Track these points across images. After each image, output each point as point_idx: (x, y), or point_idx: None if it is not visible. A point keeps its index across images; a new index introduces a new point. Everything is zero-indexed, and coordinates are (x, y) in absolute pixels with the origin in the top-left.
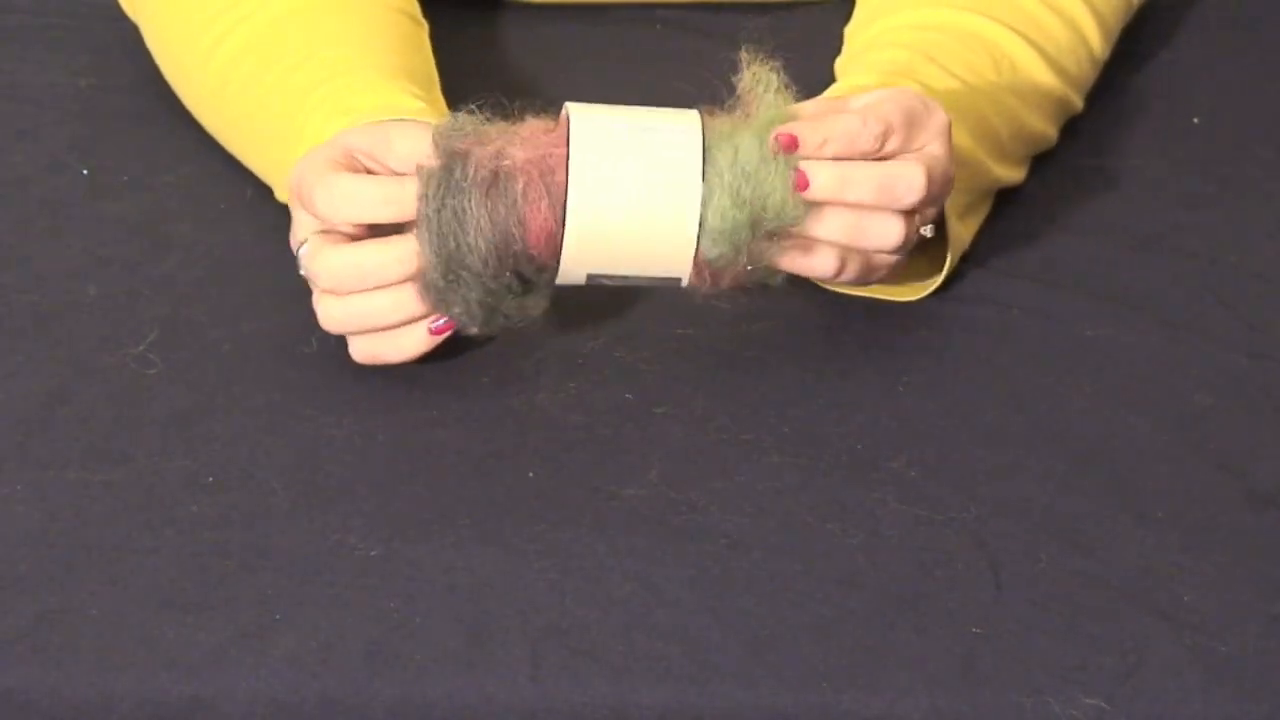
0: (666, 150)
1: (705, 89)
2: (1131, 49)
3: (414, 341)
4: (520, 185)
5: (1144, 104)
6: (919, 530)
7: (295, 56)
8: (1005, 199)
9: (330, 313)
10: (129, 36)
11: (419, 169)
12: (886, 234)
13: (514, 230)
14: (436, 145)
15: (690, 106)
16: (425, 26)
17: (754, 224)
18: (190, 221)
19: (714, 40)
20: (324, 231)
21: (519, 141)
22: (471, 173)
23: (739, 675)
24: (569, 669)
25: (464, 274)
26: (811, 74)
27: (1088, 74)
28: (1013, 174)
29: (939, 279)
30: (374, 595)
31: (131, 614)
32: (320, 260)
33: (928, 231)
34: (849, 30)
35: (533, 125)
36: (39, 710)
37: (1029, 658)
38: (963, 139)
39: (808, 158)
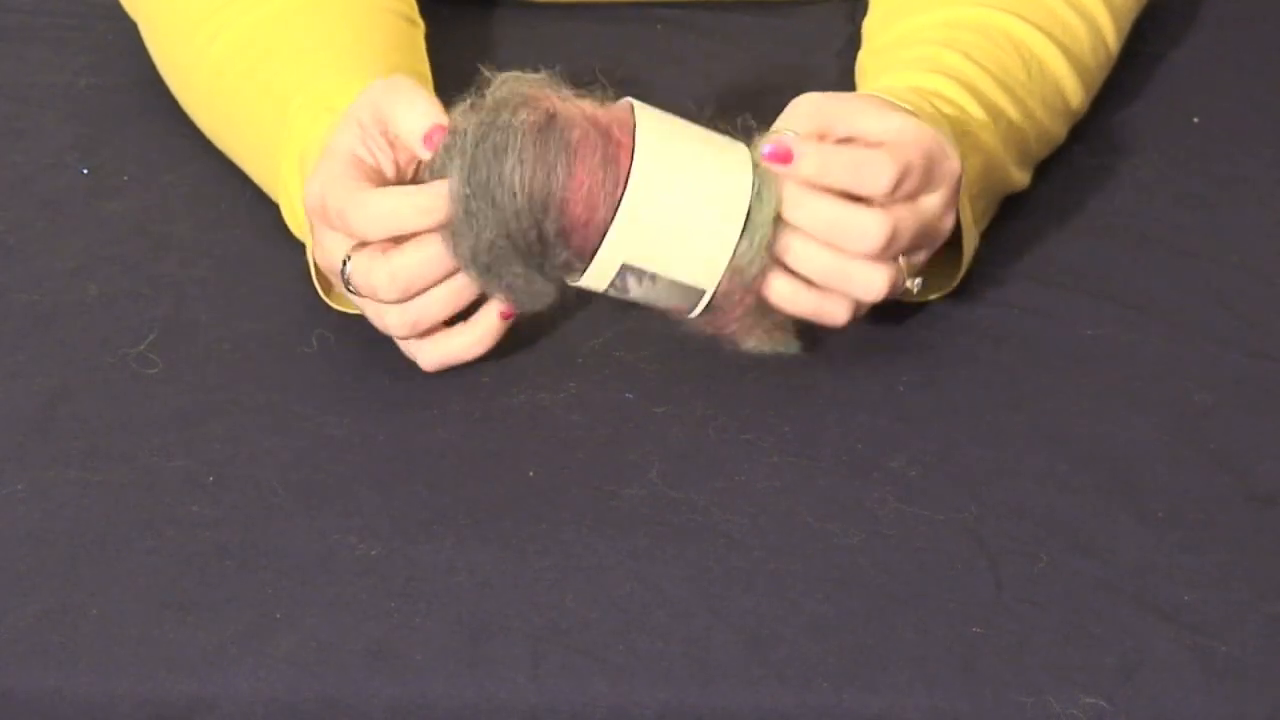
0: (722, 160)
1: (705, 89)
2: (1131, 48)
3: (486, 329)
4: (576, 134)
5: (1144, 104)
6: (919, 530)
7: (281, 58)
8: (1005, 198)
9: (391, 321)
10: (129, 36)
11: (453, 115)
12: (870, 283)
13: (559, 175)
14: (483, 97)
15: (690, 105)
16: (421, 27)
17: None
18: (190, 221)
19: (714, 40)
20: (361, 244)
21: (577, 103)
22: (524, 116)
23: (739, 675)
24: (569, 669)
25: (489, 211)
26: (812, 74)
27: (1103, 76)
28: (1025, 178)
29: (949, 288)
30: (374, 595)
31: (131, 614)
32: (377, 274)
33: (914, 286)
34: (867, 26)
35: (589, 102)
36: (39, 710)
37: (1029, 658)
38: (993, 142)
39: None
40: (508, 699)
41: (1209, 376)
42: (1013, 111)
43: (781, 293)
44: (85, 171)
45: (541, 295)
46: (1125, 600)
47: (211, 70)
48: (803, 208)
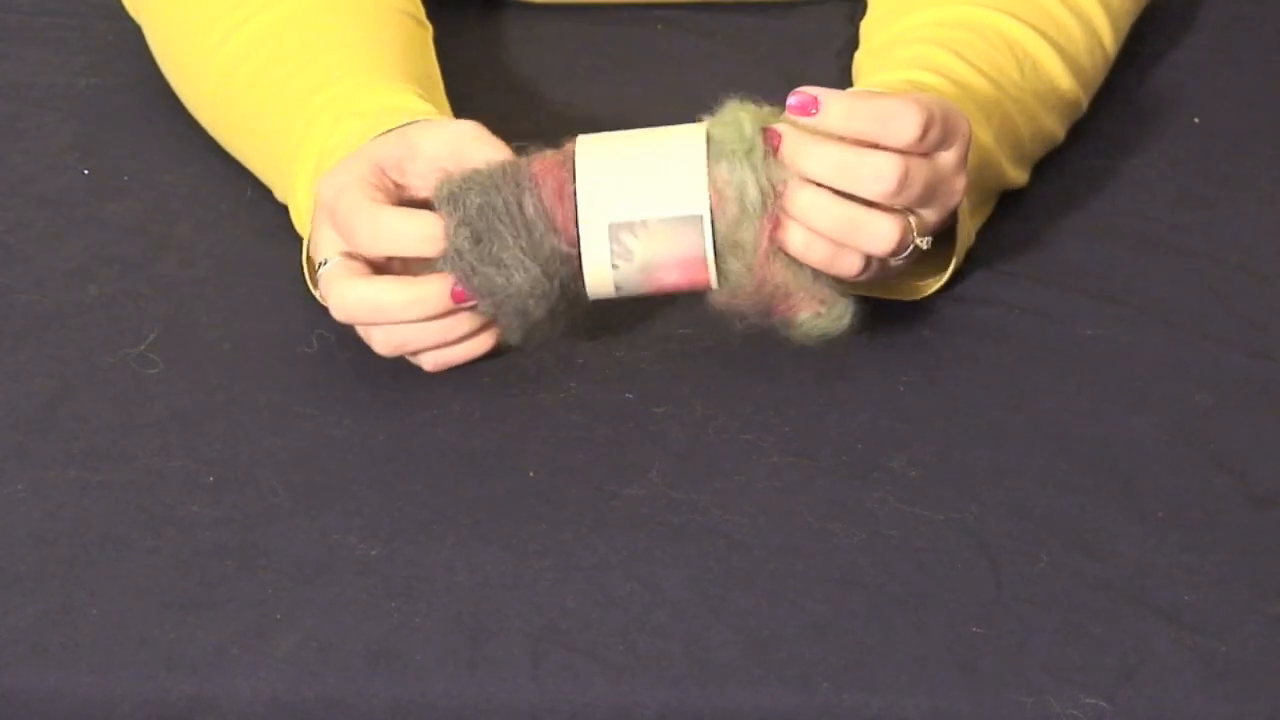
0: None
1: (705, 89)
2: (1131, 49)
3: (484, 338)
4: (531, 154)
5: (1144, 104)
6: (919, 530)
7: (298, 59)
8: (1005, 198)
9: (375, 338)
10: (129, 36)
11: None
12: (879, 234)
13: (521, 163)
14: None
15: (688, 104)
16: (429, 29)
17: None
18: (190, 221)
19: (714, 40)
20: (347, 254)
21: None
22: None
23: (739, 675)
24: (569, 669)
25: (471, 191)
26: (811, 74)
27: (1100, 76)
28: (1022, 176)
29: (943, 278)
30: (374, 595)
31: (131, 614)
32: (336, 292)
33: (924, 243)
34: (865, 26)
35: None
36: (39, 710)
37: (1029, 658)
38: (985, 138)
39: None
40: (508, 699)
41: (1209, 376)
42: (1005, 108)
43: (796, 240)
44: (85, 171)
45: (533, 277)
46: (1125, 600)
47: (221, 72)
48: (812, 156)
